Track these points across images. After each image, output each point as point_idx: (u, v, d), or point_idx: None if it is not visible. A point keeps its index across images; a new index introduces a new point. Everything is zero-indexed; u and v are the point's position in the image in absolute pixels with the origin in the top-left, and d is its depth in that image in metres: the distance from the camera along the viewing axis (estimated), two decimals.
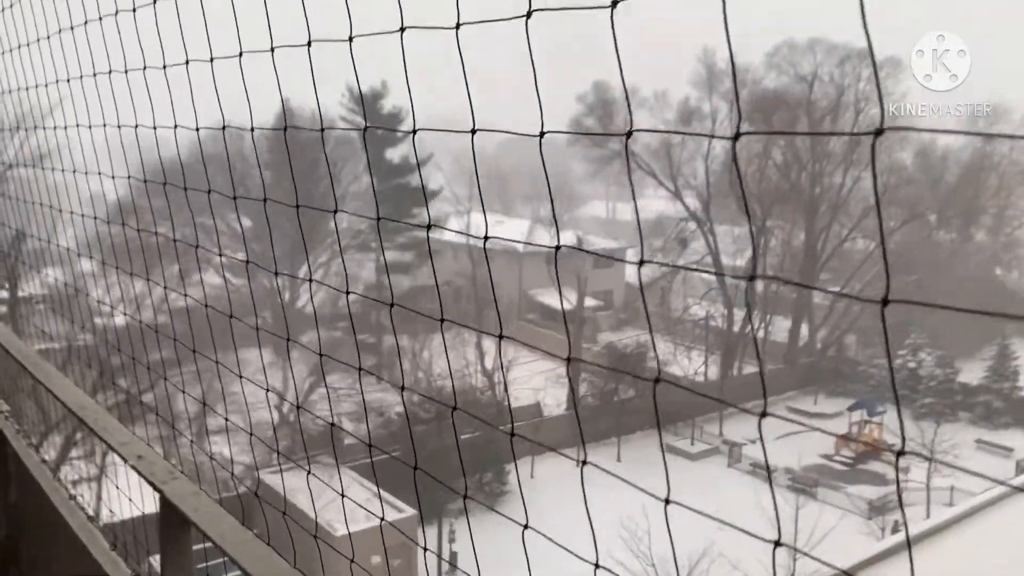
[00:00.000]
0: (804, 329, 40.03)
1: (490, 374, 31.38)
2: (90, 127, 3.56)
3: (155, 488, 1.60)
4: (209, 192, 3.18)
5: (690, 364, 36.97)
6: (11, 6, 3.76)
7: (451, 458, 20.54)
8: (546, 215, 43.67)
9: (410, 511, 21.62)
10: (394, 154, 39.65)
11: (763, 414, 1.32)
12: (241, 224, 25.37)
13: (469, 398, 30.30)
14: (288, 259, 34.78)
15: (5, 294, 21.91)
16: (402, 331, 30.50)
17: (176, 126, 3.08)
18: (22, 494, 2.68)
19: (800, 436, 30.29)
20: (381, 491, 20.73)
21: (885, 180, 37.92)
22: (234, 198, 3.10)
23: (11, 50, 4.27)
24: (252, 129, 2.67)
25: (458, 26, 1.59)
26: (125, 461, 1.76)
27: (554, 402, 32.98)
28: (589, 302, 40.73)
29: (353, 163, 37.92)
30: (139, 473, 1.68)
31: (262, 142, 29.67)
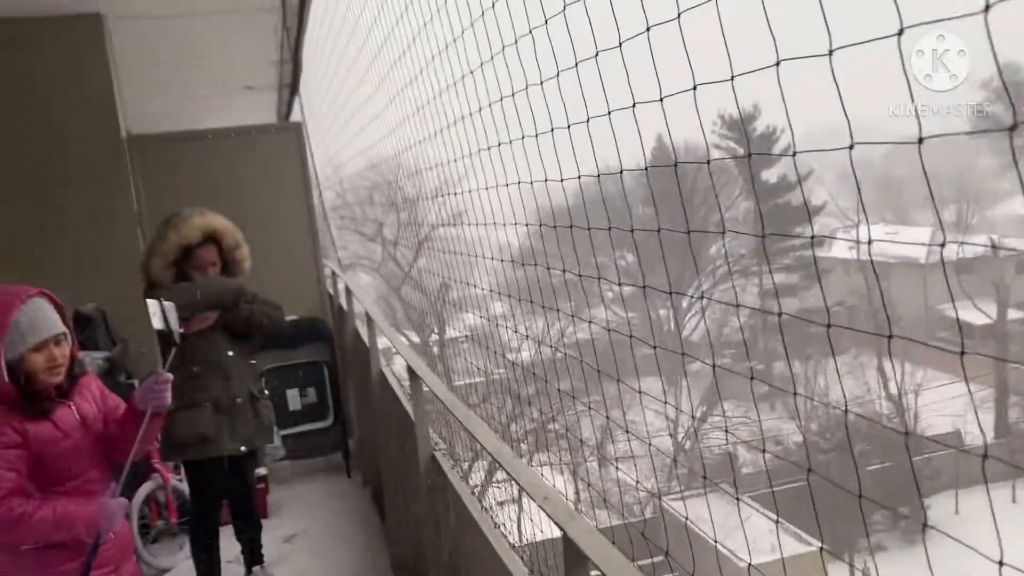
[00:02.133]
0: None
1: (896, 399, 28.76)
2: (486, 188, 4.02)
3: (558, 527, 1.83)
4: (609, 228, 3.40)
5: None
6: (436, 97, 4.42)
7: (859, 490, 19.14)
8: (950, 220, 39.31)
9: (817, 544, 20.51)
10: (770, 174, 38.64)
11: None
12: (638, 255, 26.44)
13: (874, 427, 28.03)
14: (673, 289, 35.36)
15: (436, 336, 25.17)
16: (792, 356, 29.31)
17: (562, 179, 3.36)
18: (459, 521, 3.09)
19: None
20: (786, 523, 19.97)
21: None
22: (631, 230, 3.28)
23: (433, 135, 4.98)
24: (621, 171, 2.82)
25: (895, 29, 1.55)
26: (534, 500, 2.01)
27: (978, 429, 29.17)
28: (1014, 314, 35.57)
29: (729, 189, 37.65)
30: (545, 512, 1.93)
31: (639, 179, 30.73)
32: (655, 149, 39.14)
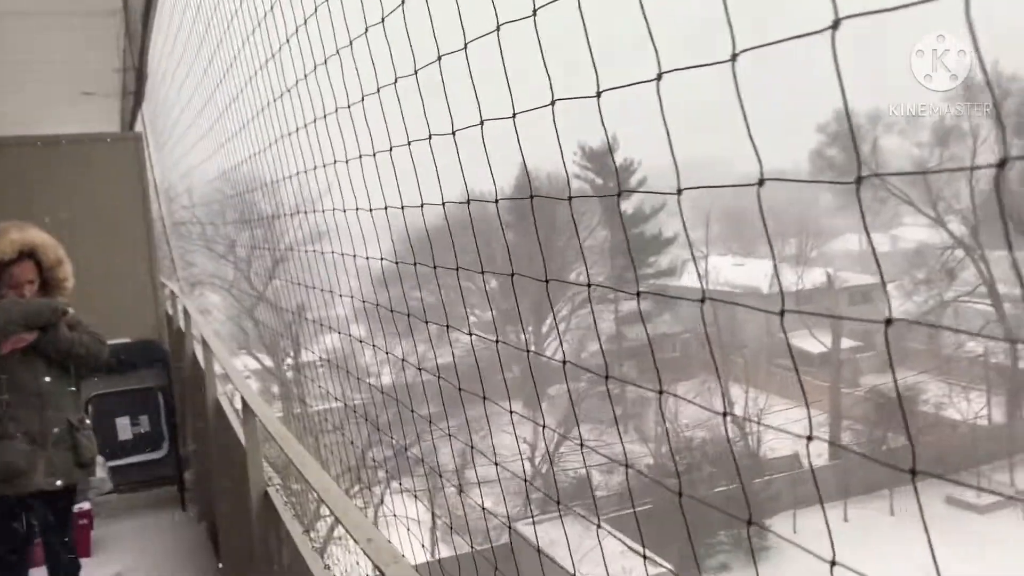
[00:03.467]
0: None
1: (741, 423, 30.18)
2: (344, 210, 3.90)
3: (380, 572, 1.80)
4: (456, 269, 3.35)
5: (969, 407, 33.32)
6: (265, 107, 4.26)
7: (706, 511, 19.90)
8: (791, 254, 41.83)
9: (668, 566, 21.13)
10: (627, 205, 39.95)
11: None
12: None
13: (720, 449, 29.31)
14: (533, 314, 35.93)
15: (291, 360, 24.44)
16: (644, 381, 30.28)
17: (423, 204, 3.30)
18: (291, 561, 3.00)
19: None
20: (634, 544, 20.42)
21: None
22: (481, 272, 3.25)
23: (269, 146, 4.78)
24: (496, 201, 2.80)
25: (659, 76, 1.57)
26: (356, 543, 1.96)
27: (814, 452, 30.99)
28: (846, 343, 38.19)
29: (588, 217, 38.66)
30: (366, 555, 1.89)
31: (504, 204, 31.04)
32: (519, 177, 39.78)
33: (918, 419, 29.91)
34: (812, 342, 36.52)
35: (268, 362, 24.97)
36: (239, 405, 3.99)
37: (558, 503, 18.85)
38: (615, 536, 22.19)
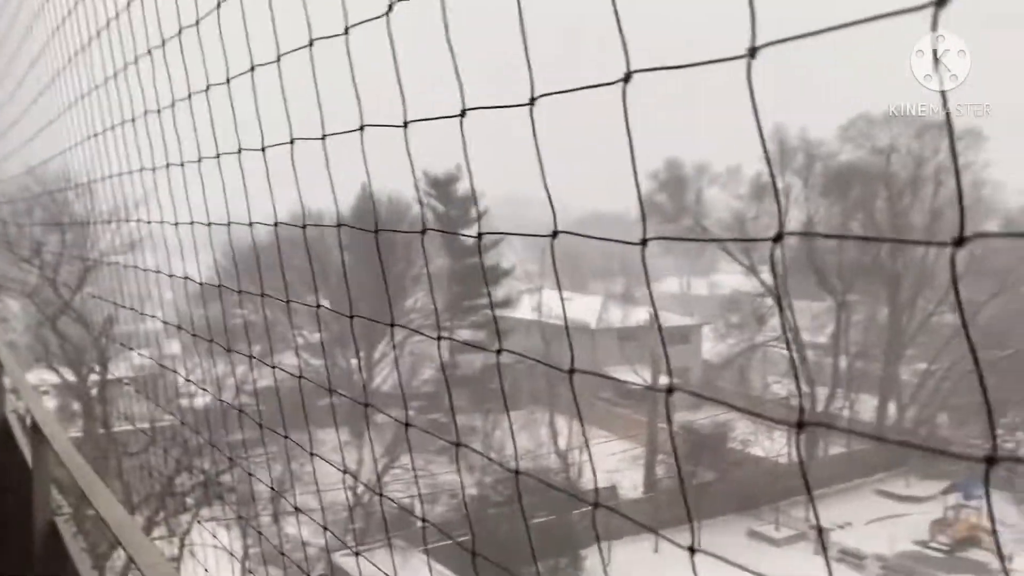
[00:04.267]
0: (892, 408, 38.41)
1: (564, 455, 30.86)
2: (166, 222, 3.65)
3: None
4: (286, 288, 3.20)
5: (772, 445, 35.72)
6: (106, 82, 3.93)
7: (526, 542, 20.09)
8: (619, 291, 43.51)
9: None
10: (467, 234, 40.28)
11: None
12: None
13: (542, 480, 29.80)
14: (365, 339, 35.29)
15: (97, 376, 22.69)
16: (473, 411, 30.44)
17: (251, 223, 3.14)
18: None
19: (892, 521, 28.81)
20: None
21: (973, 252, 36.63)
22: (316, 305, 3.12)
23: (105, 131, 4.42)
24: (339, 226, 2.69)
25: (532, 101, 1.56)
26: None
27: (630, 484, 32.14)
28: (664, 380, 39.97)
29: (428, 245, 38.60)
30: None
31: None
32: (359, 197, 39.21)
33: (727, 455, 31.73)
34: (633, 377, 37.99)
35: (71, 376, 23.07)
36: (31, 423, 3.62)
37: (387, 533, 18.47)
38: (433, 567, 22.00)
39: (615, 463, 31.95)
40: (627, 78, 1.47)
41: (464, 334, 40.00)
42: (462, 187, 40.61)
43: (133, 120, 3.57)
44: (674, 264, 55.01)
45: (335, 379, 30.53)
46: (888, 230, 37.74)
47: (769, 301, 39.50)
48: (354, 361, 33.96)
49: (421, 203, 38.06)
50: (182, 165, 3.49)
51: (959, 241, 0.97)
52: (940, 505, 30.72)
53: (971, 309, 36.81)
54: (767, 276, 39.44)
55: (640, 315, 42.01)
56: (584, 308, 43.19)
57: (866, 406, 38.02)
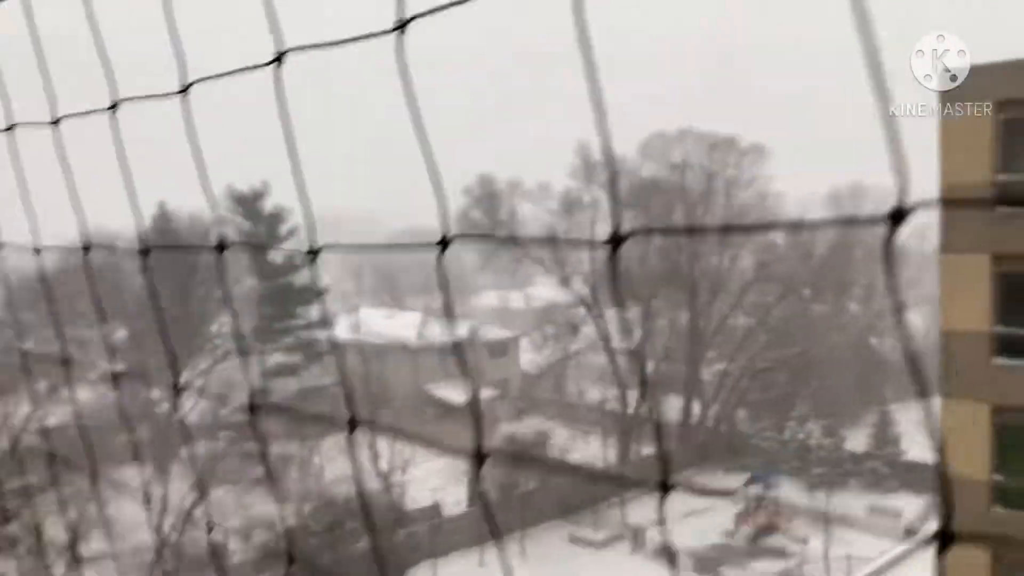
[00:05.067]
0: (696, 407, 40.70)
1: (386, 476, 30.27)
2: None
3: None
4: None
5: (589, 450, 36.84)
6: None
7: (349, 568, 19.46)
8: (438, 307, 43.43)
9: None
10: (277, 253, 38.84)
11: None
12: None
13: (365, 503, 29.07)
14: (168, 368, 33.05)
15: None
16: (289, 437, 29.26)
17: (38, 250, 2.71)
18: None
19: (701, 516, 30.37)
20: None
21: (760, 258, 39.63)
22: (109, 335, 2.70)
23: None
24: (146, 254, 2.32)
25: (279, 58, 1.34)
26: None
27: (453, 500, 32.02)
28: (485, 393, 40.34)
29: (235, 265, 36.87)
30: None
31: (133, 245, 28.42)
32: (157, 217, 36.85)
33: (548, 463, 32.33)
34: (455, 392, 38.03)
35: None
36: None
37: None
38: None
39: (439, 480, 31.74)
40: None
41: (276, 358, 38.51)
42: (269, 203, 39.20)
43: None
44: (493, 279, 55.81)
45: (137, 413, 28.33)
46: (684, 240, 40.05)
47: (582, 311, 40.82)
48: (156, 392, 31.76)
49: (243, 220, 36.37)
50: None
51: (897, 216, 0.91)
52: (742, 496, 32.79)
53: (761, 312, 39.80)
54: (580, 286, 40.77)
55: (460, 330, 42.16)
56: (404, 325, 42.80)
57: (672, 406, 40.07)
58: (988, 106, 14.91)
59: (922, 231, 35.55)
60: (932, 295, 20.79)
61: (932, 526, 27.76)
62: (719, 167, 39.77)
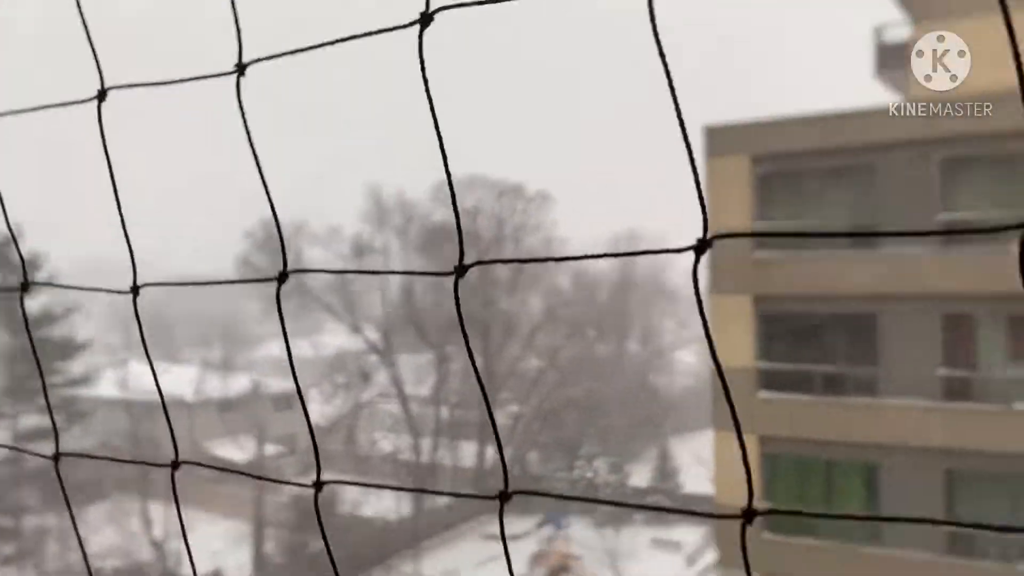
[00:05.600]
0: (490, 451, 40.88)
1: (160, 544, 27.74)
2: None
3: None
4: None
5: (381, 503, 35.81)
6: None
7: None
8: (216, 359, 40.97)
9: None
10: (32, 304, 35.00)
11: None
12: None
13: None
14: None
15: None
16: (47, 509, 26.17)
17: None
18: None
19: (498, 561, 30.29)
20: None
21: (548, 302, 40.84)
22: None
23: None
24: None
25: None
26: None
27: (235, 564, 29.84)
28: (270, 449, 38.29)
29: None
30: None
31: None
32: None
33: (337, 520, 30.98)
34: (236, 449, 35.78)
35: None
36: None
37: None
38: None
39: (220, 544, 29.50)
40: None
41: (32, 420, 34.51)
42: (23, 249, 35.40)
43: None
44: (277, 328, 53.41)
45: None
46: (477, 284, 40.51)
47: (374, 358, 39.99)
48: None
49: None
50: None
51: (701, 247, 0.97)
52: (536, 539, 33.14)
53: (550, 353, 40.90)
54: (371, 333, 39.96)
55: (242, 383, 39.93)
56: (179, 380, 39.85)
57: (467, 452, 39.99)
58: (746, 159, 16.23)
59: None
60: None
61: (710, 556, 29.35)
62: (508, 213, 40.74)
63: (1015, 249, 0.75)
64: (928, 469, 14.80)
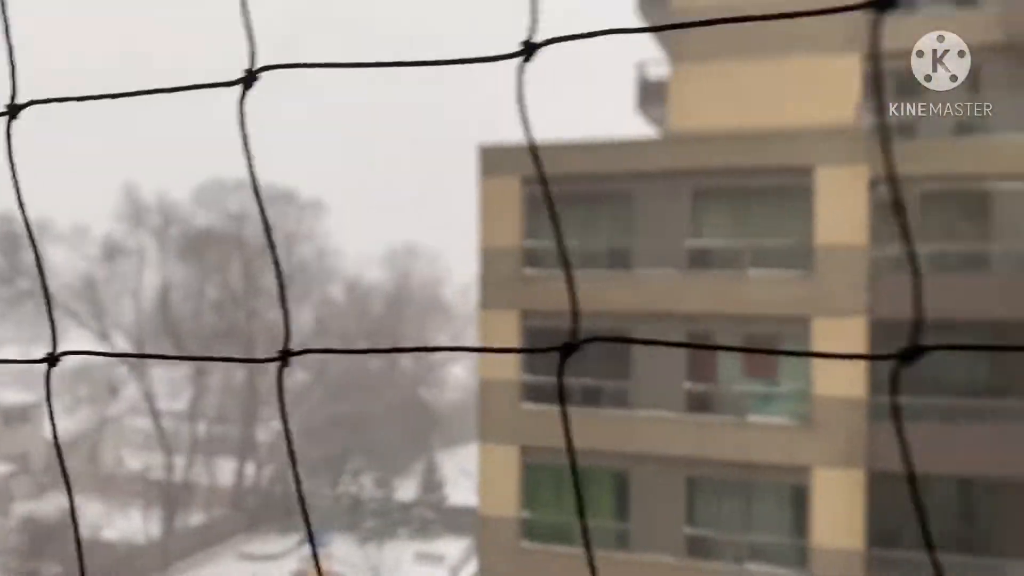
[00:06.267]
0: (250, 468, 39.07)
1: None
2: None
3: None
4: None
5: (129, 525, 33.06)
6: None
7: None
8: None
9: None
10: None
11: None
12: None
13: None
14: None
15: None
16: None
17: None
18: None
19: None
20: None
21: (319, 313, 39.85)
22: None
23: None
24: None
25: None
26: None
27: None
28: (2, 468, 34.23)
29: None
30: None
31: None
32: None
33: (71, 545, 28.19)
34: None
35: None
36: None
37: None
38: None
39: None
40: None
41: None
42: None
43: None
44: (14, 332, 48.01)
45: None
46: (242, 292, 38.74)
47: (123, 369, 36.97)
48: None
49: None
50: None
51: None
52: (297, 557, 32.03)
53: (319, 367, 39.89)
54: (121, 342, 36.95)
55: None
56: None
57: (225, 469, 37.97)
58: (517, 179, 16.78)
59: (466, 290, 38.74)
60: None
61: (472, 567, 29.88)
62: (279, 220, 39.37)
63: (753, 274, 0.79)
64: (672, 476, 15.95)
